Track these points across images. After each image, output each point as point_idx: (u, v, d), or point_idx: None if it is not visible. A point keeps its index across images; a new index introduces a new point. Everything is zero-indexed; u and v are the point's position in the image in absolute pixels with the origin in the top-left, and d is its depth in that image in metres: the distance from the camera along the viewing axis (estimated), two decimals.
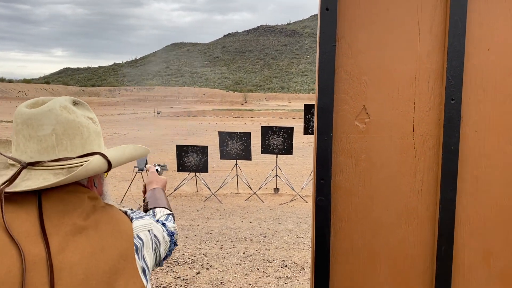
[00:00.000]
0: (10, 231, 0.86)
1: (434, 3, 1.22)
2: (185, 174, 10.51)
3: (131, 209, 1.18)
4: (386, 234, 1.29)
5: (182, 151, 9.90)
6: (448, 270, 1.25)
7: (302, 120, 9.89)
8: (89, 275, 0.90)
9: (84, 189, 1.02)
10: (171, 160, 13.64)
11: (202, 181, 10.24)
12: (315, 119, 1.27)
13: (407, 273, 1.29)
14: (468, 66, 1.23)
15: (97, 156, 1.01)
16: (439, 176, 1.24)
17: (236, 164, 10.54)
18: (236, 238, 7.01)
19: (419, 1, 1.23)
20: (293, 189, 10.18)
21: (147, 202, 1.47)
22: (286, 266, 5.75)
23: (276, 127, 10.26)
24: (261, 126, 10.39)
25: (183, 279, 5.34)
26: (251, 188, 10.31)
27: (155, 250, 1.12)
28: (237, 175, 10.64)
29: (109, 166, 1.03)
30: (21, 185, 0.93)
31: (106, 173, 1.18)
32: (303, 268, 5.63)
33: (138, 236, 1.06)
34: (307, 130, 9.51)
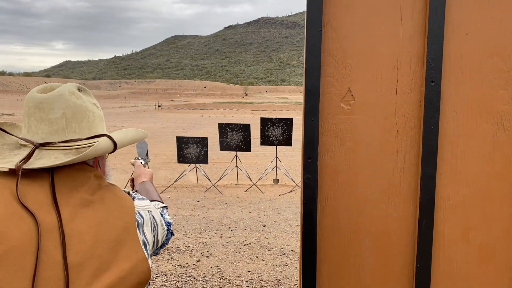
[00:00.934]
0: (23, 202, 0.94)
1: None
2: (185, 165, 10.58)
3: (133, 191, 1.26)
4: (370, 210, 1.36)
5: (182, 142, 9.97)
6: (429, 244, 1.32)
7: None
8: (96, 243, 0.98)
9: (90, 168, 1.10)
10: (172, 152, 13.72)
11: (202, 172, 10.32)
12: (302, 101, 1.34)
13: (390, 246, 1.36)
14: (447, 49, 1.29)
15: (104, 138, 1.10)
16: (420, 154, 1.31)
17: (236, 155, 10.61)
18: (235, 227, 7.10)
19: None
20: (292, 180, 10.26)
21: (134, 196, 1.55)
22: (285, 254, 5.84)
23: (275, 118, 10.30)
24: (261, 118, 10.44)
25: (184, 267, 5.43)
26: (250, 179, 10.38)
27: (153, 231, 1.20)
28: (237, 166, 10.71)
29: (115, 147, 1.12)
30: (35, 163, 1.01)
31: (107, 155, 1.26)
32: None
33: (139, 213, 1.15)
34: None
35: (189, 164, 10.30)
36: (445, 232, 1.35)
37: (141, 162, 1.81)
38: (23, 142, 1.07)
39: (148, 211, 1.20)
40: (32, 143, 1.04)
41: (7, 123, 1.14)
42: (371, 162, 1.35)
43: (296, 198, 9.08)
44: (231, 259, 5.68)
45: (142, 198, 1.23)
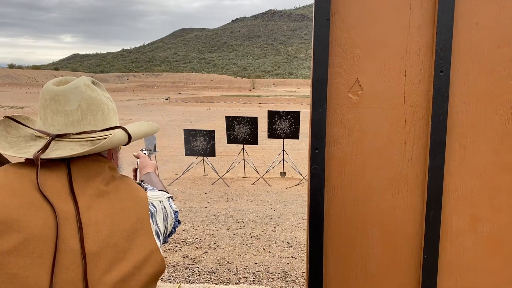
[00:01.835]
0: (42, 191, 0.96)
1: None
2: (193, 158, 10.62)
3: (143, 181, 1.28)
4: (377, 200, 1.36)
5: (189, 135, 10.00)
6: (436, 234, 1.32)
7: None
8: (111, 232, 1.00)
9: (105, 159, 1.12)
10: (179, 145, 13.77)
11: (210, 165, 10.36)
12: (310, 92, 1.33)
13: (397, 237, 1.37)
14: (457, 39, 1.27)
15: (120, 130, 1.12)
16: (428, 145, 1.31)
17: (243, 148, 10.62)
18: (242, 219, 7.13)
19: None
20: (299, 173, 10.26)
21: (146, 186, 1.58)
22: (292, 246, 5.86)
23: (282, 111, 10.29)
24: (268, 111, 10.43)
25: (191, 258, 5.47)
26: (258, 172, 10.40)
27: (165, 221, 1.22)
28: (244, 159, 10.73)
29: (129, 139, 1.14)
30: (51, 153, 1.02)
31: (120, 147, 1.28)
32: None
33: (152, 203, 1.17)
34: None
35: (196, 157, 10.34)
36: (453, 223, 1.35)
37: (145, 153, 1.82)
38: (38, 134, 1.09)
39: (160, 201, 1.23)
40: (48, 134, 1.06)
41: (21, 116, 1.16)
42: (378, 152, 1.35)
43: (303, 191, 9.09)
44: (238, 251, 5.71)
45: (153, 189, 1.26)
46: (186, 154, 10.23)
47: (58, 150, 1.04)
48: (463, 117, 1.31)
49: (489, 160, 1.32)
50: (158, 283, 4.55)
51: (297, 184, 9.68)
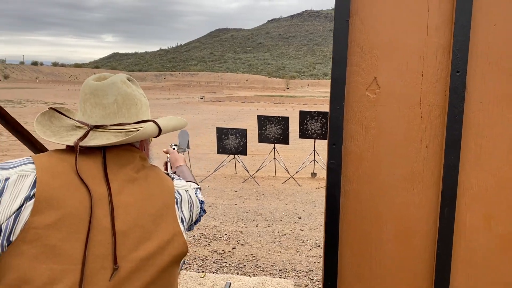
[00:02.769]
0: (80, 174, 1.07)
1: None
2: (225, 156, 10.79)
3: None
4: (392, 196, 1.40)
5: (222, 133, 10.17)
6: (450, 231, 1.35)
7: None
8: (139, 214, 1.10)
9: (137, 149, 1.23)
10: (212, 143, 13.98)
11: (241, 163, 10.48)
12: (330, 89, 1.39)
13: (411, 232, 1.40)
14: (474, 40, 1.30)
15: (151, 123, 1.22)
16: (443, 143, 1.34)
17: (274, 148, 10.69)
18: (271, 218, 7.20)
19: None
20: None
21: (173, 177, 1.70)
22: (319, 246, 5.88)
23: (314, 112, 10.28)
24: (300, 111, 10.45)
25: (219, 253, 5.60)
26: (288, 172, 10.44)
27: (190, 209, 1.31)
28: (274, 158, 10.80)
29: (159, 132, 1.25)
30: (89, 142, 1.14)
31: (151, 139, 1.40)
32: None
33: (178, 191, 1.27)
34: None
35: (228, 155, 10.50)
36: (467, 221, 1.37)
37: (174, 149, 1.94)
38: (78, 124, 1.21)
39: (186, 190, 1.32)
40: (87, 125, 1.18)
41: (63, 108, 1.29)
42: (394, 150, 1.39)
43: None
44: (266, 248, 5.79)
45: (180, 179, 1.36)
46: (218, 152, 10.40)
47: (96, 139, 1.15)
48: (480, 117, 1.33)
49: (505, 159, 1.34)
50: (185, 271, 4.70)
51: None
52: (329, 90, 1.37)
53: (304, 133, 10.19)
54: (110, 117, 1.18)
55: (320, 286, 4.63)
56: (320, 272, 5.08)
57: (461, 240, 1.38)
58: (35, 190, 1.01)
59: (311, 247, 5.82)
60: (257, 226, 6.71)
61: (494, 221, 1.36)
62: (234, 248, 5.79)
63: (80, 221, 1.02)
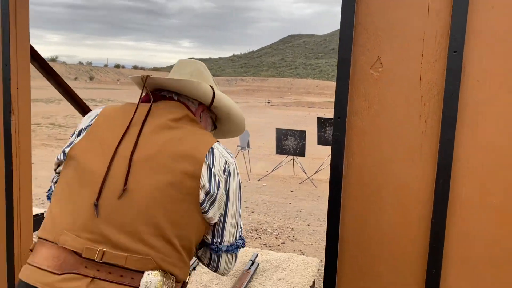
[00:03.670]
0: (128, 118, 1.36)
1: None
2: (283, 157, 10.98)
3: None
4: (392, 169, 1.51)
5: (281, 134, 10.38)
6: (445, 200, 1.44)
7: None
8: (159, 152, 1.27)
9: (187, 109, 1.41)
10: (272, 145, 14.22)
11: (299, 164, 10.61)
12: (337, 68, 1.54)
13: (408, 201, 1.50)
14: (472, 22, 1.38)
15: (209, 86, 1.45)
16: (440, 119, 1.43)
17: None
18: (324, 219, 7.21)
19: None
20: None
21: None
22: None
23: None
24: None
25: (269, 246, 5.78)
26: None
27: (215, 181, 1.28)
28: None
29: (213, 98, 1.45)
30: (155, 79, 1.44)
31: (212, 117, 1.55)
32: None
33: (212, 150, 1.31)
34: None
35: (286, 156, 10.68)
36: (462, 193, 1.44)
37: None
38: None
39: (226, 161, 1.34)
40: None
41: (150, 75, 1.51)
42: (395, 124, 1.50)
43: None
44: (315, 246, 5.88)
45: (228, 152, 1.40)
46: (277, 153, 10.63)
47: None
48: (476, 95, 1.41)
49: (500, 136, 1.40)
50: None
51: None
52: None
53: None
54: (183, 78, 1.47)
55: None
56: None
57: (456, 210, 1.45)
58: (90, 123, 1.37)
59: None
60: (309, 225, 6.81)
61: (489, 194, 1.42)
62: (283, 243, 5.94)
63: (109, 148, 1.29)
